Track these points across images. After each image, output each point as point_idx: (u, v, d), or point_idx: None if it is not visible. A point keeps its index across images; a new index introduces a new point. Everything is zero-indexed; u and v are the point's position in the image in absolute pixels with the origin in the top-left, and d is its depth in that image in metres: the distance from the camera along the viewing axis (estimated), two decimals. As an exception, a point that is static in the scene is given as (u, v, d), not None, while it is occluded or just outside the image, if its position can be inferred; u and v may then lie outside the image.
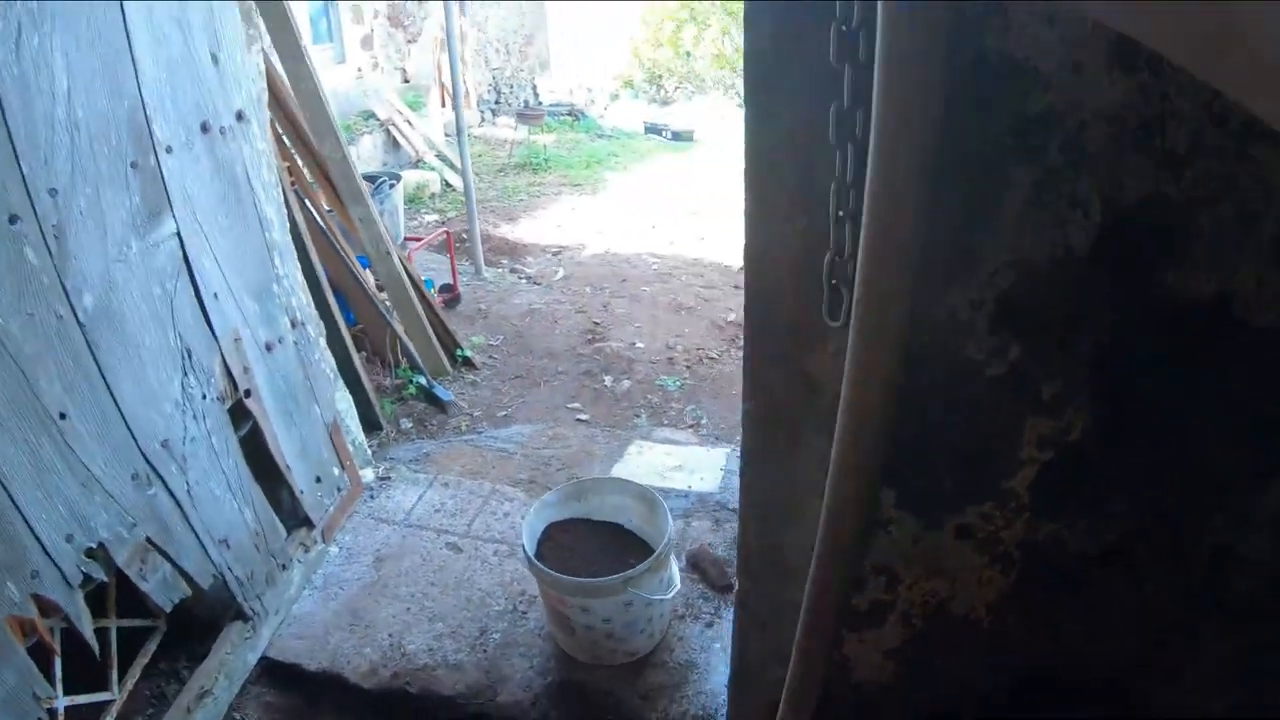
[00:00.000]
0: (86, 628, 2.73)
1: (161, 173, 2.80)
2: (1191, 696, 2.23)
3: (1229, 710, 2.21)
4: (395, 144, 10.77)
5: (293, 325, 3.57)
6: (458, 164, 9.83)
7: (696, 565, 3.62)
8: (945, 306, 1.60)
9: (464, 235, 7.58)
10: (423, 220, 9.14)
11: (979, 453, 1.80)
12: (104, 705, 3.08)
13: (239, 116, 3.15)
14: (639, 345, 5.94)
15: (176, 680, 3.39)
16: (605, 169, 11.75)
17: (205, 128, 2.99)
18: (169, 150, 2.82)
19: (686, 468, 4.20)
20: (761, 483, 2.01)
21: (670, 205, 9.75)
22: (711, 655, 3.27)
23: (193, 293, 3.00)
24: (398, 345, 5.25)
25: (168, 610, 3.04)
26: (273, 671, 3.45)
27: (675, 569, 3.21)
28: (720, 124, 14.23)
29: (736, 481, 3.98)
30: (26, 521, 2.45)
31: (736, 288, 6.57)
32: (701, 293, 6.68)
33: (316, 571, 3.77)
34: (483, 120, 14.59)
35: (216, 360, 3.14)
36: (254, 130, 3.24)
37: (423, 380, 5.26)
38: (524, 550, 3.07)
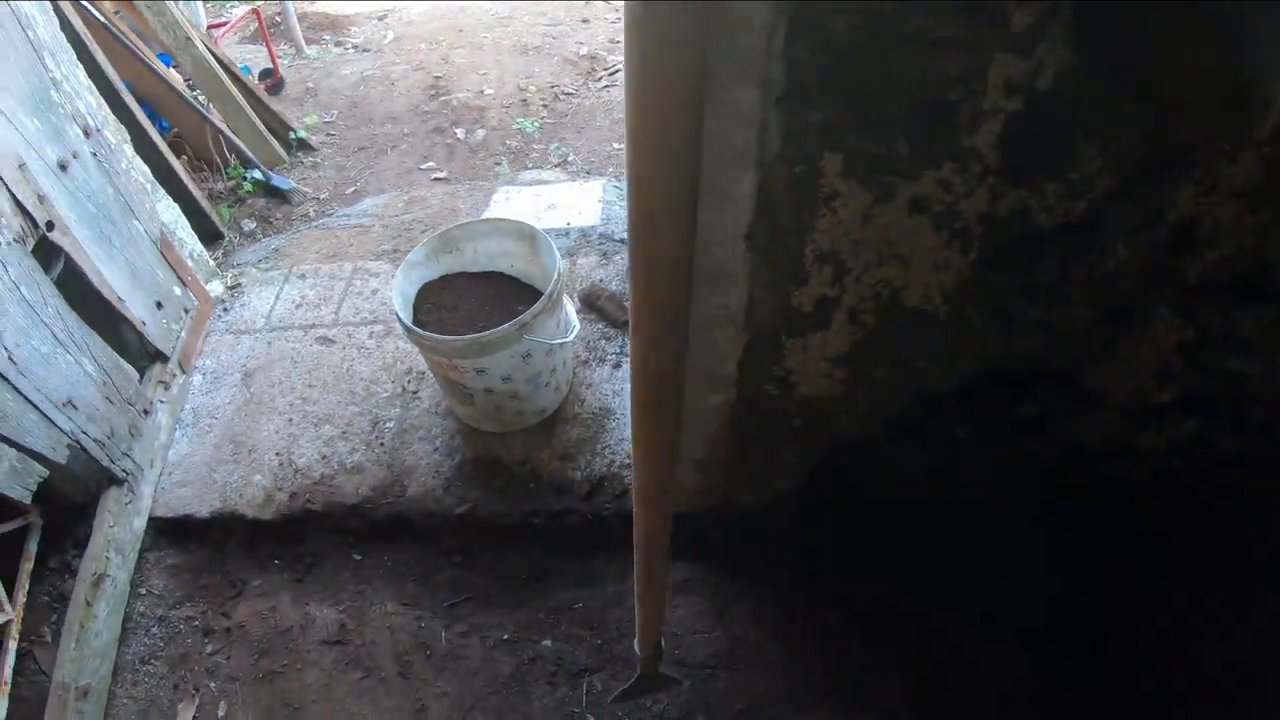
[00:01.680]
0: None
1: None
2: (1137, 383, 2.09)
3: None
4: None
5: (86, 134, 2.88)
6: None
7: (591, 304, 3.19)
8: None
9: (277, 18, 6.63)
10: (232, 14, 8.00)
11: (938, 102, 1.44)
12: (2, 627, 2.65)
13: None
14: (488, 92, 5.31)
15: (70, 574, 2.94)
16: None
17: None
18: None
19: (561, 205, 3.70)
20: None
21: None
22: (625, 398, 2.90)
23: (-50, 119, 2.33)
24: (222, 142, 4.53)
25: (28, 501, 2.56)
26: (166, 531, 3.02)
27: (571, 310, 2.77)
28: None
29: (619, 211, 3.56)
30: None
31: (585, 21, 6.00)
32: (547, 30, 6.01)
33: (184, 406, 3.26)
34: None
35: (4, 198, 2.47)
36: None
37: (258, 174, 4.57)
38: (399, 320, 2.55)
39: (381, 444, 2.92)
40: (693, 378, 1.91)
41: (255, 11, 5.99)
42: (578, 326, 2.74)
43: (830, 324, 1.90)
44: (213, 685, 2.68)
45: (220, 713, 2.62)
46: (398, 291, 2.65)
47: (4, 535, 2.74)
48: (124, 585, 2.88)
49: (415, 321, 2.68)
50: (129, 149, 3.23)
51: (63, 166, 2.75)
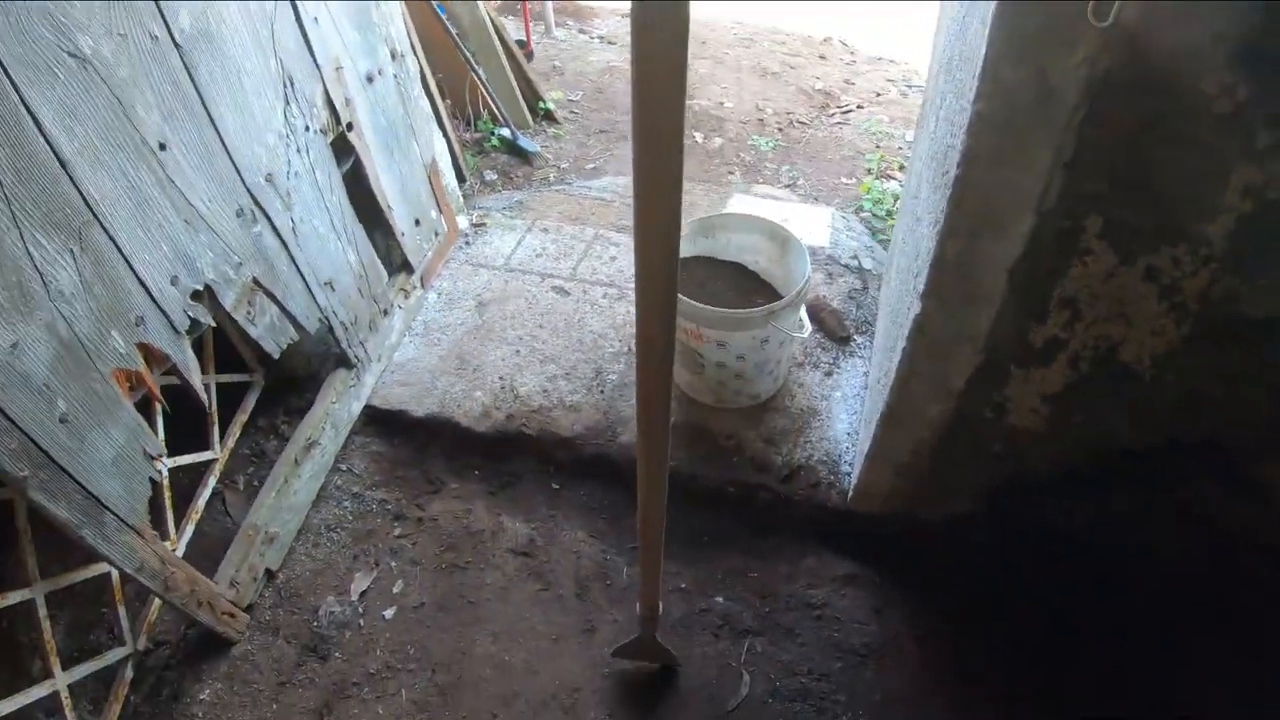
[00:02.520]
0: (195, 378, 2.48)
1: None
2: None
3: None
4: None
5: (393, 57, 3.14)
6: None
7: (815, 315, 3.32)
8: (1186, 36, 1.43)
9: None
10: None
11: (1185, 193, 1.67)
12: (206, 465, 2.91)
13: None
14: (727, 105, 5.41)
15: (276, 436, 3.23)
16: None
17: None
18: None
19: (794, 221, 3.82)
20: (977, 190, 1.75)
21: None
22: (832, 403, 3.03)
23: (293, 16, 2.58)
24: (480, 96, 4.77)
25: (276, 356, 2.79)
26: (378, 419, 3.25)
27: (805, 313, 2.91)
28: None
29: (845, 240, 3.71)
30: (129, 263, 2.15)
31: (822, 58, 6.04)
32: (786, 59, 6.04)
33: (416, 318, 3.50)
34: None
35: (318, 90, 2.75)
36: None
37: (506, 132, 4.80)
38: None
39: (601, 391, 3.09)
40: (924, 384, 2.10)
41: None
42: (810, 328, 2.89)
43: (1052, 363, 2.05)
44: (393, 564, 2.86)
45: (395, 589, 2.80)
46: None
47: (231, 385, 3.01)
48: (329, 457, 3.12)
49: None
50: (421, 78, 3.48)
51: (369, 79, 3.01)
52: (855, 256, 3.62)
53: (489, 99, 4.77)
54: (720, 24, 6.77)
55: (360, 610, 2.77)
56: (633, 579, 2.80)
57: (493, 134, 4.82)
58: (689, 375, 2.96)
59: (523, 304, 3.50)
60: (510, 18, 6.45)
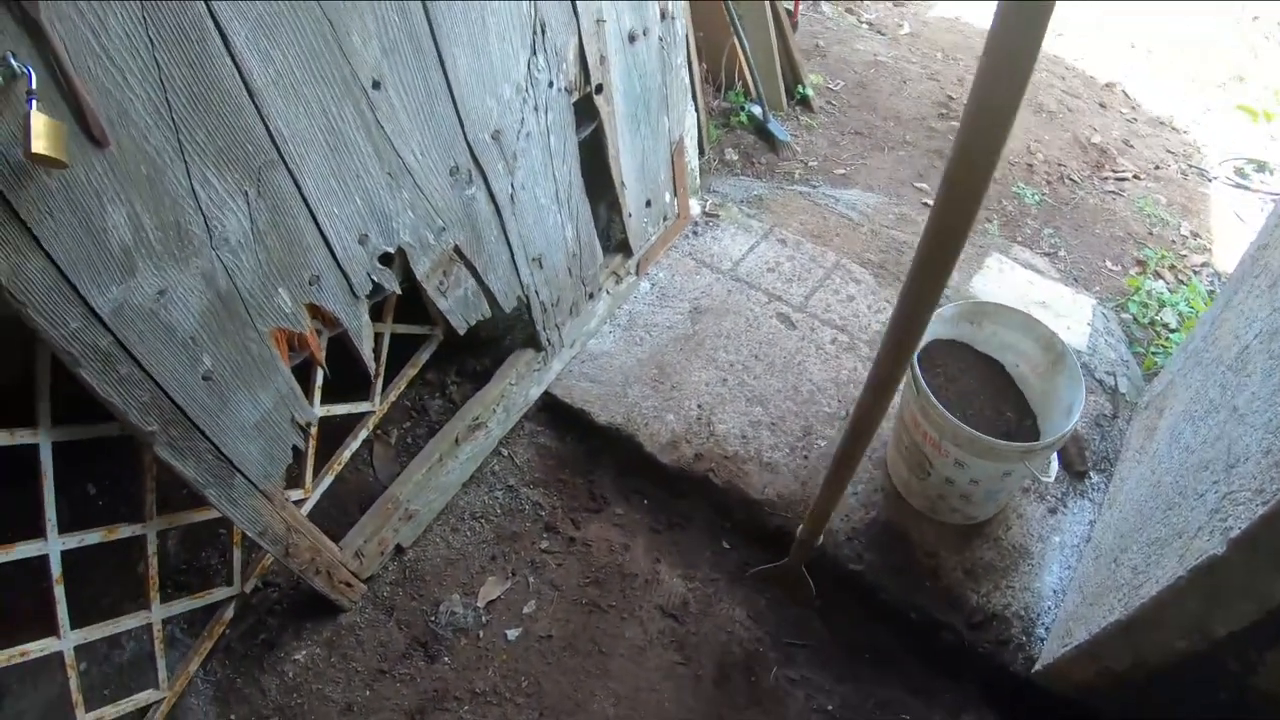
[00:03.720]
0: (365, 345, 2.15)
1: None
2: None
3: None
4: None
5: (661, 17, 2.69)
6: None
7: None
8: None
9: None
10: None
11: None
12: (360, 416, 2.70)
13: None
14: (999, 135, 4.68)
15: (442, 395, 2.97)
16: (957, -80, 9.41)
17: None
18: None
19: (1052, 309, 3.20)
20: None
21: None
22: (1047, 548, 2.47)
23: (555, -52, 2.17)
24: (738, 64, 4.27)
25: (462, 332, 2.46)
26: (555, 411, 2.90)
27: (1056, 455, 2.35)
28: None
29: (1104, 348, 3.06)
30: (313, 215, 1.80)
31: (1102, 106, 5.25)
32: (1064, 98, 5.29)
33: (622, 305, 3.10)
34: None
35: (573, 42, 2.32)
36: None
37: (757, 111, 4.29)
38: (913, 369, 2.24)
39: (805, 456, 2.62)
40: (1182, 619, 1.75)
41: None
42: (1057, 470, 2.33)
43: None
44: (531, 580, 2.54)
45: (526, 609, 2.48)
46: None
47: (409, 337, 2.81)
48: (493, 441, 2.81)
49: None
50: (686, 47, 3.03)
51: (631, 38, 2.58)
52: (1111, 373, 2.98)
53: (746, 69, 4.26)
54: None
55: (483, 620, 2.47)
56: (780, 682, 2.37)
57: (743, 108, 4.33)
58: (908, 476, 2.46)
59: (742, 323, 3.02)
60: None
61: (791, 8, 5.24)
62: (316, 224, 1.81)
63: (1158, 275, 3.70)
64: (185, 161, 1.49)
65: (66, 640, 2.04)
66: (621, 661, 2.38)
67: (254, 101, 1.56)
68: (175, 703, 2.37)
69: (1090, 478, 2.64)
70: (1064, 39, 6.06)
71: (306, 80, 1.64)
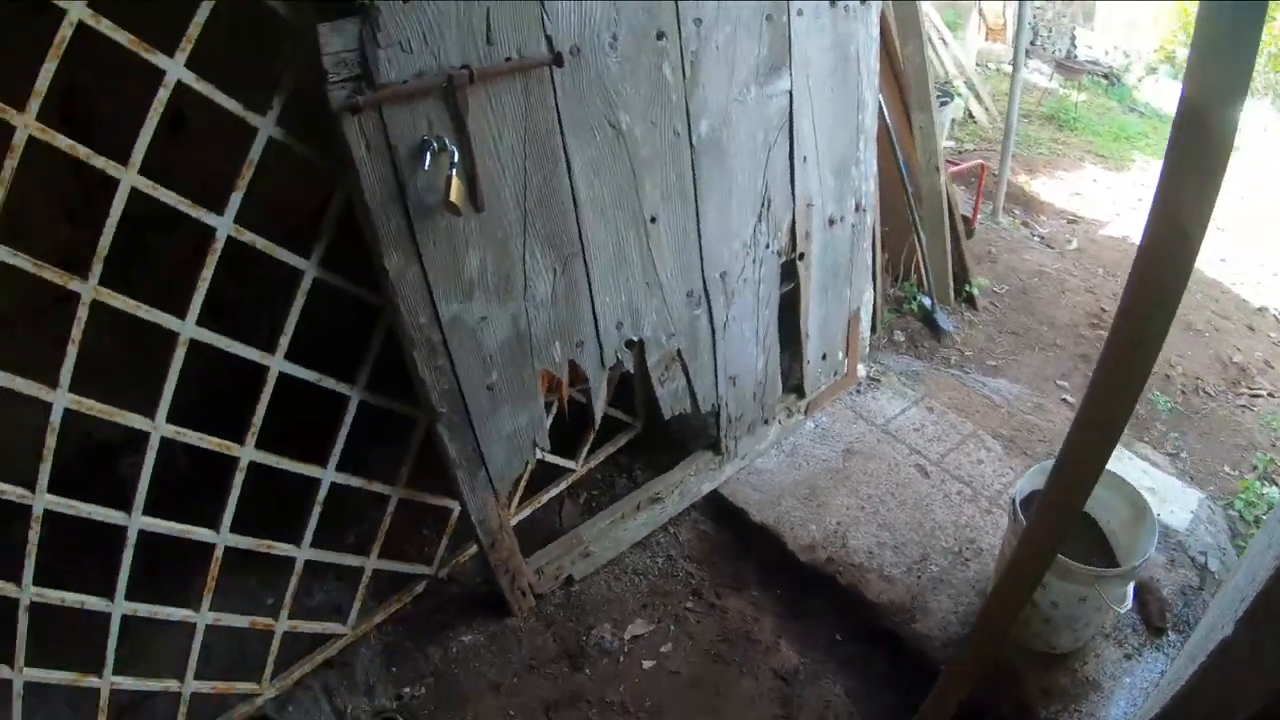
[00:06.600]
0: (599, 404, 2.70)
1: (789, 31, 2.58)
2: None
3: None
4: (925, 59, 9.06)
5: (856, 209, 3.22)
6: (984, 95, 8.76)
7: (1141, 594, 2.95)
8: None
9: (991, 172, 6.50)
10: (962, 159, 8.00)
11: None
12: (563, 472, 3.24)
13: (861, -2, 2.80)
14: (1142, 347, 4.86)
15: (628, 477, 3.42)
16: (1134, 148, 9.35)
17: (833, 1, 2.69)
18: (799, 13, 2.58)
19: (1159, 493, 3.41)
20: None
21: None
22: (1117, 687, 2.65)
23: (787, 150, 2.77)
24: (915, 259, 4.72)
25: (667, 417, 2.95)
26: (718, 507, 3.31)
27: (1132, 588, 2.62)
28: (1263, 135, 10.29)
29: (1204, 532, 3.27)
30: (591, 297, 2.40)
31: (1250, 329, 5.40)
32: (1213, 319, 5.43)
33: (789, 438, 3.52)
34: (1015, 59, 11.97)
35: (787, 218, 2.90)
36: (872, 16, 2.88)
37: (926, 302, 4.73)
38: (1014, 504, 2.58)
39: (917, 577, 2.95)
40: None
41: (983, 167, 6.02)
42: (1130, 605, 2.61)
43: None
44: (672, 628, 2.89)
45: (663, 648, 2.82)
46: (1025, 480, 2.70)
47: (613, 422, 3.31)
48: (665, 516, 3.22)
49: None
50: (872, 237, 3.52)
51: (830, 222, 3.11)
52: (1204, 553, 3.17)
53: (922, 265, 4.71)
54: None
55: (625, 649, 2.83)
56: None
57: (914, 298, 4.77)
58: None
59: (884, 467, 3.41)
60: (961, 188, 6.29)
61: (969, 215, 5.63)
62: (592, 305, 2.41)
63: (1271, 480, 3.82)
64: (525, 237, 2.14)
65: (303, 553, 2.54)
66: (733, 706, 2.68)
67: (576, 211, 2.22)
68: (352, 644, 2.84)
69: (1168, 635, 2.82)
70: (1226, 264, 6.26)
71: (611, 206, 2.29)
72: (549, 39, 2.00)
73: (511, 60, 1.95)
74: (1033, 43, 12.01)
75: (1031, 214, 6.70)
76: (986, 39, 10.65)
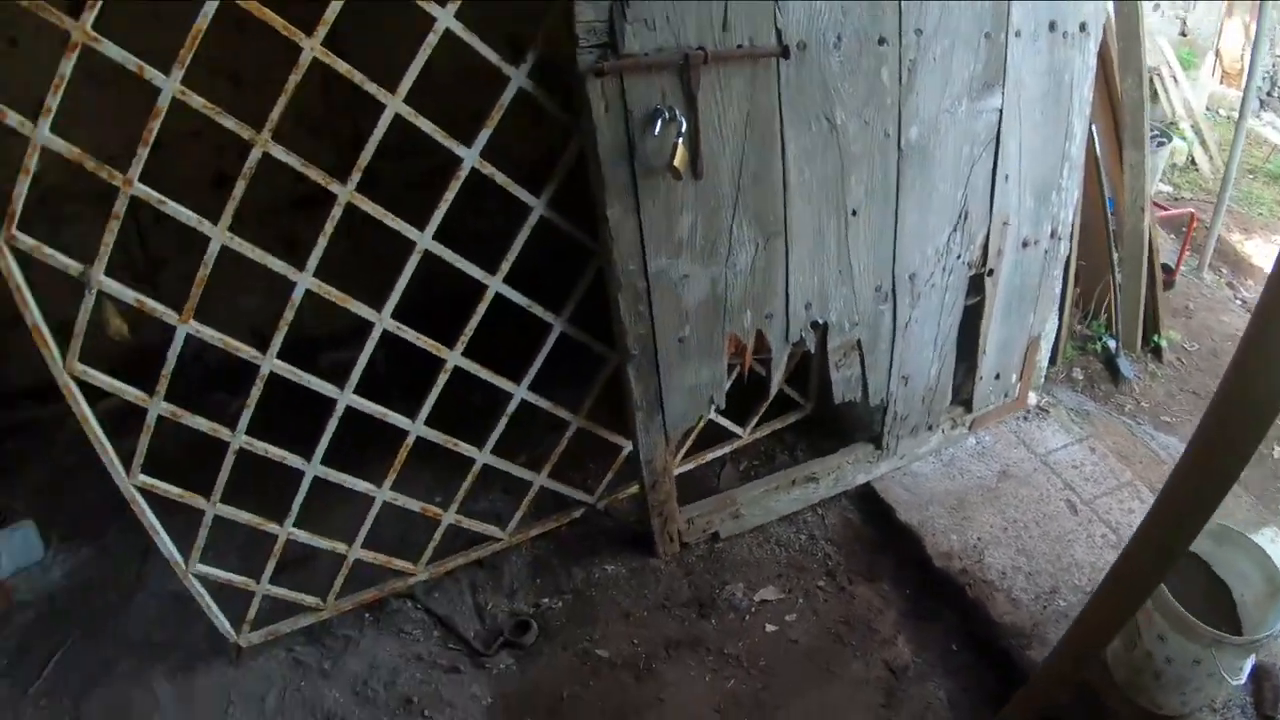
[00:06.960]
0: (777, 375, 2.91)
1: (1006, 52, 2.67)
2: None
3: None
4: (1153, 96, 8.23)
5: (1052, 235, 3.24)
6: (1210, 142, 8.05)
7: (1258, 677, 2.86)
8: None
9: (1202, 224, 6.10)
10: (1174, 205, 7.34)
11: None
12: (730, 437, 3.44)
13: (1081, 27, 2.82)
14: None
15: (789, 453, 3.59)
16: (1368, 221, 8.65)
17: (1052, 26, 2.75)
18: (1017, 35, 2.66)
19: None
20: None
21: None
22: None
23: (990, 167, 2.85)
24: (1108, 298, 4.58)
25: (836, 402, 3.10)
26: (868, 499, 3.42)
27: (1249, 665, 2.56)
28: None
29: None
30: (786, 275, 2.59)
31: None
32: None
33: (948, 449, 3.59)
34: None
35: (982, 233, 2.97)
36: (1089, 45, 2.90)
37: (1111, 344, 4.60)
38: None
39: (1043, 607, 2.98)
40: None
41: (1193, 217, 5.74)
42: (1244, 681, 2.53)
43: None
44: (801, 600, 3.03)
45: (788, 616, 2.95)
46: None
47: (785, 401, 3.50)
48: (815, 497, 3.35)
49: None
50: (1066, 263, 3.53)
51: (1024, 244, 3.14)
52: None
53: (1114, 306, 4.59)
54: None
55: (753, 609, 2.99)
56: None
57: (1100, 338, 4.65)
58: (1119, 643, 2.73)
59: (1035, 495, 3.43)
60: (1171, 236, 6.00)
61: (1172, 265, 5.38)
62: (786, 282, 2.60)
63: None
64: (735, 209, 2.36)
65: (483, 456, 2.82)
66: (840, 685, 2.80)
67: (785, 194, 2.42)
68: (504, 550, 3.13)
69: (1277, 720, 2.76)
70: None
71: (818, 194, 2.48)
72: (779, 32, 2.21)
73: (743, 47, 2.17)
74: (1269, 93, 10.85)
75: (1239, 275, 6.29)
76: (1221, 82, 9.84)
